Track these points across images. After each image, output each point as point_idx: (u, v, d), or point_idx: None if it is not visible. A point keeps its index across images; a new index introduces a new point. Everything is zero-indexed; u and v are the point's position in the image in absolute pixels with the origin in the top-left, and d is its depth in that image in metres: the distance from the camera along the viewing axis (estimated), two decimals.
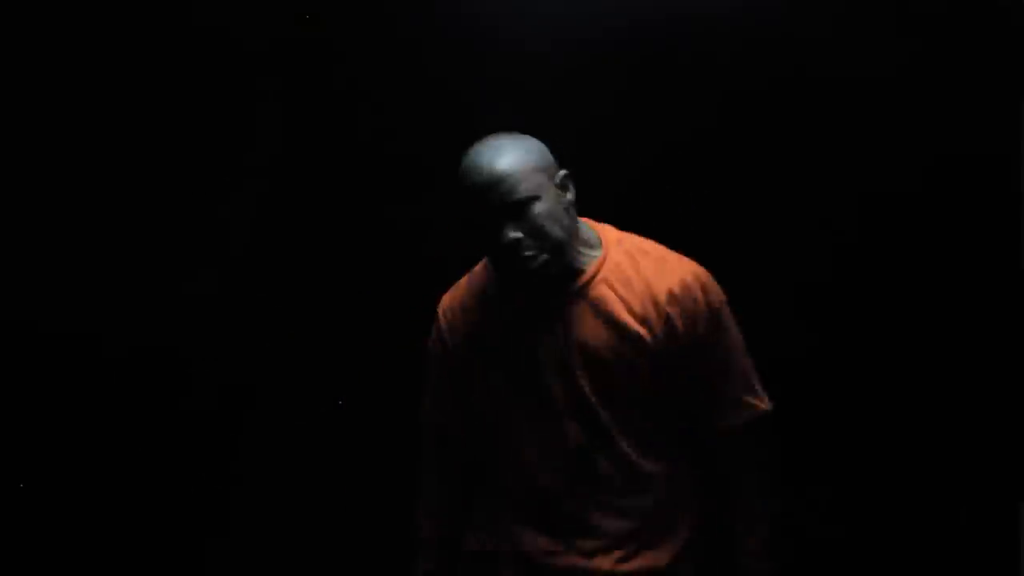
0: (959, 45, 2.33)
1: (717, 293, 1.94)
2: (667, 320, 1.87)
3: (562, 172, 1.87)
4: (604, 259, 1.92)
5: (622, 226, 1.97)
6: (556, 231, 1.82)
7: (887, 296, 2.40)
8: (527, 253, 1.81)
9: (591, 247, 1.92)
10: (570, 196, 1.87)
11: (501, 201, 1.79)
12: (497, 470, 2.00)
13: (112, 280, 2.49)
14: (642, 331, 1.87)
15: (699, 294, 1.90)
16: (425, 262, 2.35)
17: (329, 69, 2.54)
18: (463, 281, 2.04)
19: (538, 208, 1.81)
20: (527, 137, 1.87)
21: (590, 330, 1.88)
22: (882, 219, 2.39)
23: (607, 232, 1.96)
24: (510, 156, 1.81)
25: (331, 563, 2.62)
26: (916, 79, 2.34)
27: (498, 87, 2.45)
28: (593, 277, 1.90)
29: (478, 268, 2.03)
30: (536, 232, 1.81)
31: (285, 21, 2.51)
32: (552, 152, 1.88)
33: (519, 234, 1.80)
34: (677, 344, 1.88)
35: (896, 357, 2.40)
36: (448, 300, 2.04)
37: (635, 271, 1.91)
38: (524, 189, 1.80)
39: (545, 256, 1.83)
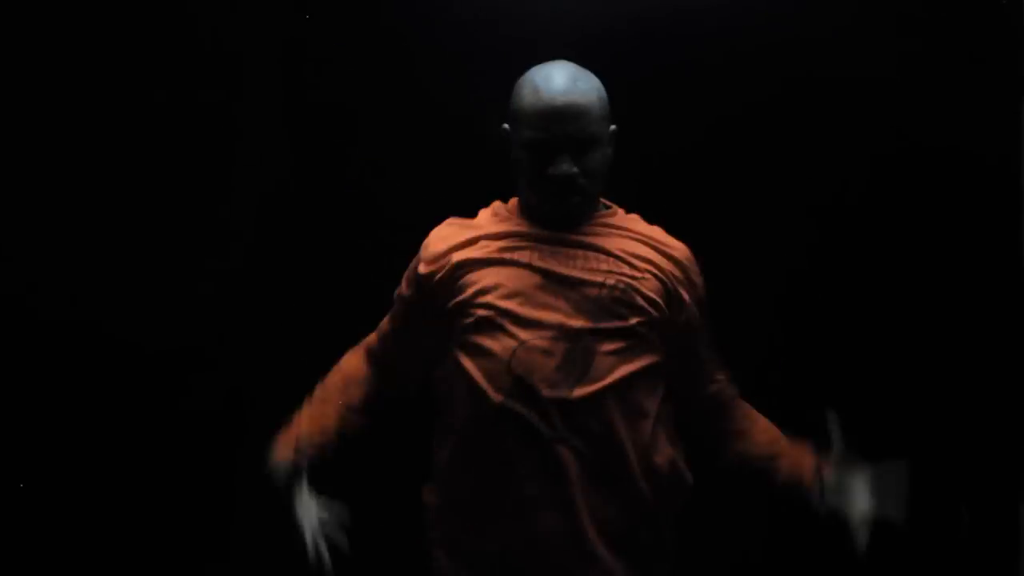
0: (959, 45, 2.33)
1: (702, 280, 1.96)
2: (669, 282, 1.87)
3: (613, 127, 1.87)
4: (615, 212, 1.94)
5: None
6: (599, 181, 1.84)
7: (888, 295, 2.40)
8: (574, 192, 1.81)
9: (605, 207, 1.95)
10: (610, 152, 1.87)
11: (572, 132, 1.77)
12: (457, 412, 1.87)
13: (113, 280, 2.49)
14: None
15: (697, 272, 1.94)
16: None
17: (328, 69, 2.54)
18: (453, 220, 1.97)
19: (598, 152, 1.82)
20: (594, 76, 1.85)
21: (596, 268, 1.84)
22: (882, 219, 2.40)
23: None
24: (589, 90, 1.80)
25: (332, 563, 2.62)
26: (916, 79, 2.34)
27: (498, 88, 2.45)
28: (603, 223, 1.90)
29: (484, 213, 1.96)
30: (589, 174, 1.81)
31: (286, 22, 2.51)
32: None
33: (576, 170, 1.79)
34: (671, 309, 1.86)
35: (897, 356, 2.40)
36: (436, 235, 1.95)
37: (643, 232, 1.92)
38: (596, 129, 1.79)
39: (580, 199, 1.83)
